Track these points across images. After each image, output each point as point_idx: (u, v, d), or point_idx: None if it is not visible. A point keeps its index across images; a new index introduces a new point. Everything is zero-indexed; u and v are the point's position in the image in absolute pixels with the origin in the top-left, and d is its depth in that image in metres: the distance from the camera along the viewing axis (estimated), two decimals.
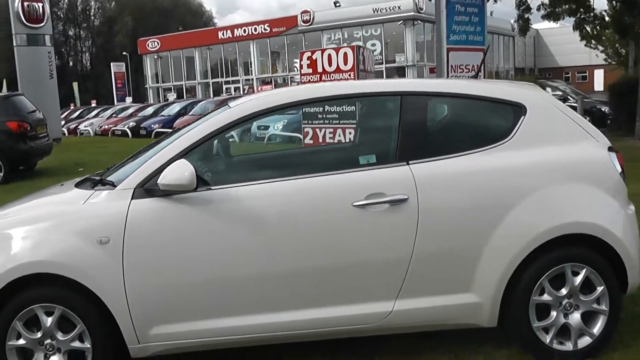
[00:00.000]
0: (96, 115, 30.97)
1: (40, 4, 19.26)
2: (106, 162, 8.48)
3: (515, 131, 3.24)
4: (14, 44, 19.69)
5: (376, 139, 3.72)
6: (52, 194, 3.65)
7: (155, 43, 49.94)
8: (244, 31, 45.29)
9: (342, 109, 8.11)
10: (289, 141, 14.28)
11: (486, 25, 8.43)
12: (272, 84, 41.27)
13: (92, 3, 71.52)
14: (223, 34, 46.75)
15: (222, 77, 47.77)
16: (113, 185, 3.16)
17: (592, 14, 19.93)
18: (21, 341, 3.05)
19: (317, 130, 8.44)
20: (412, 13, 37.06)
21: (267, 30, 43.82)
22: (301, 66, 8.88)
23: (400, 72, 38.63)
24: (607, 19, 20.82)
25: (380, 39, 39.14)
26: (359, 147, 4.16)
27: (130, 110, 28.83)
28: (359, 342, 3.37)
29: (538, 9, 18.68)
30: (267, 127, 17.34)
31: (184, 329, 3.07)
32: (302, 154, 4.94)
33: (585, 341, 3.20)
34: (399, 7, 37.40)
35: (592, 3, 19.08)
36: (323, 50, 8.72)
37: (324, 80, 8.59)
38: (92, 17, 73.12)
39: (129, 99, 42.77)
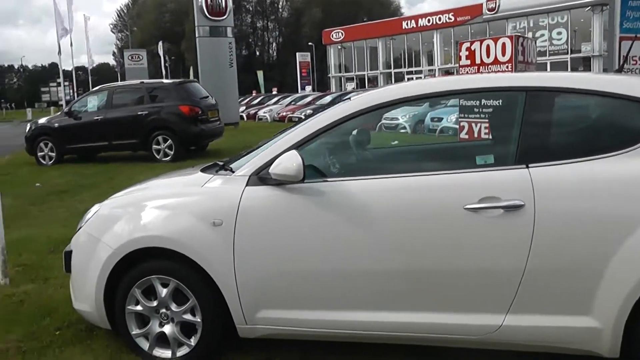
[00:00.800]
0: (276, 103, 32.92)
1: None
2: None
3: None
4: (196, 35, 21.52)
5: (497, 138, 3.52)
6: (181, 175, 3.96)
7: (339, 34, 51.50)
8: (428, 21, 44.99)
9: (499, 103, 7.71)
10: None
11: None
12: (455, 74, 40.46)
13: None
14: (407, 24, 46.87)
15: (404, 67, 47.95)
16: (232, 171, 3.31)
17: None
18: (139, 307, 3.38)
19: (473, 124, 8.12)
20: None
21: (451, 19, 43.08)
22: (459, 57, 8.58)
23: (585, 62, 35.67)
24: None
25: (567, 27, 36.44)
26: (478, 145, 3.99)
27: (309, 99, 30.21)
28: None
29: None
30: (440, 119, 17.01)
31: (289, 316, 3.13)
32: (419, 151, 4.79)
33: None
34: None
35: None
36: (482, 41, 8.33)
37: (482, 72, 8.25)
38: (280, 10, 77.42)
39: (308, 88, 44.76)
